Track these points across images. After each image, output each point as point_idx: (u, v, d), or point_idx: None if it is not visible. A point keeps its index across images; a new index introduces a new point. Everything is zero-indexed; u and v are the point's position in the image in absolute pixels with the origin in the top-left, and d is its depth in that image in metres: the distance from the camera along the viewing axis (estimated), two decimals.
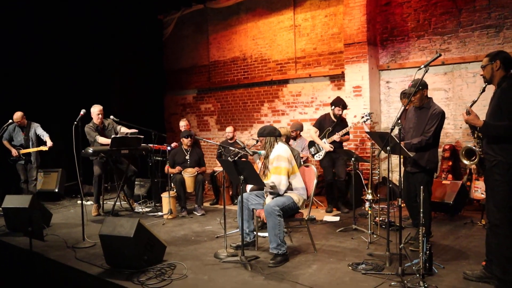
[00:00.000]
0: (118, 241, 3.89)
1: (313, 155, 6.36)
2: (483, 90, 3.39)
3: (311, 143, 6.31)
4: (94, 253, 4.52)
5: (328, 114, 6.27)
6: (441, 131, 4.28)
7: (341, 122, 6.21)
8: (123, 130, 6.42)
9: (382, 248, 4.37)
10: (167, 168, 6.18)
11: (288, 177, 4.14)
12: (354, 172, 5.38)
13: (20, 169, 6.86)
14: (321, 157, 6.23)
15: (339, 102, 6.17)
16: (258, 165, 6.10)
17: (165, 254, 4.23)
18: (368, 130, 6.01)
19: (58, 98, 8.19)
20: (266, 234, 4.82)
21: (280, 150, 4.16)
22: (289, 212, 4.19)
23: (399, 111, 3.83)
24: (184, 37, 10.19)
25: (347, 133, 6.12)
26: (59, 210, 6.87)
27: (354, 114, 7.34)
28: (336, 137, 6.07)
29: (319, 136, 6.25)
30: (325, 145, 6.18)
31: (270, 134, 4.26)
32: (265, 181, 4.22)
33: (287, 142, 5.53)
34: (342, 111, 6.16)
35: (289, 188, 4.19)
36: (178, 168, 6.38)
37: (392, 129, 3.77)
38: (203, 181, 6.45)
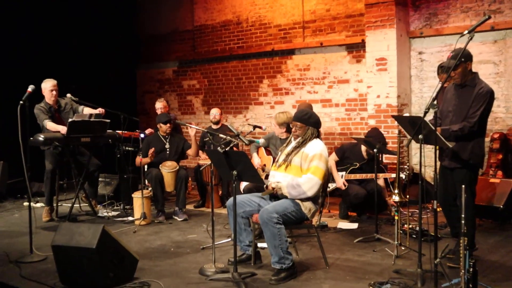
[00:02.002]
0: (76, 253, 3.87)
1: None
2: None
3: None
4: (45, 269, 4.48)
5: (360, 146, 6.05)
6: (489, 115, 4.25)
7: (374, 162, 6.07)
8: (87, 111, 6.37)
9: (412, 263, 4.35)
10: (140, 160, 6.13)
11: (325, 182, 4.23)
12: (376, 167, 5.35)
13: None
14: (330, 188, 6.03)
15: (376, 139, 5.71)
16: (255, 159, 6.13)
17: (137, 270, 4.21)
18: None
19: None
20: (265, 245, 4.81)
21: (323, 148, 4.23)
22: (293, 222, 4.20)
23: (434, 90, 3.80)
24: None
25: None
26: None
27: (377, 94, 7.33)
28: (358, 177, 5.91)
29: (338, 167, 6.08)
30: (339, 180, 5.97)
31: (316, 124, 4.33)
32: (281, 173, 4.21)
33: (289, 131, 5.49)
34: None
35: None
36: (151, 152, 6.27)
37: (425, 113, 3.74)
38: (186, 177, 6.44)
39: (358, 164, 6.03)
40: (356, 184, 6.00)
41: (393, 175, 5.77)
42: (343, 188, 5.94)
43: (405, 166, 5.12)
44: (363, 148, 6.02)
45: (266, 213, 4.01)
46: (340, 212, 6.23)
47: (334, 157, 6.18)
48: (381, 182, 5.99)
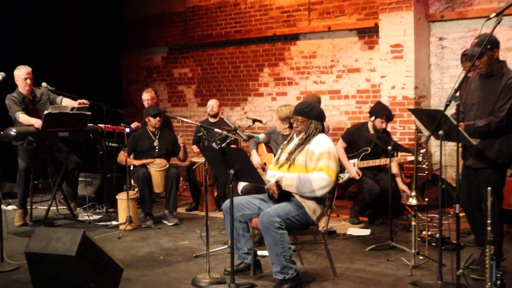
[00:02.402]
0: (53, 262, 3.86)
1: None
2: None
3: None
4: (18, 279, 4.47)
5: (366, 125, 6.16)
6: None
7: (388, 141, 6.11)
8: (67, 102, 6.36)
9: (431, 274, 4.35)
10: (125, 158, 6.12)
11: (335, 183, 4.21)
12: (391, 167, 5.35)
13: None
14: (341, 180, 6.16)
15: (381, 111, 6.01)
16: (254, 157, 6.13)
17: (122, 280, 4.20)
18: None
19: None
20: (266, 253, 4.81)
21: (330, 145, 4.22)
22: (296, 227, 4.20)
23: (457, 80, 3.79)
24: None
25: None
26: None
27: (392, 85, 7.33)
28: (371, 163, 6.01)
29: (348, 154, 6.20)
30: (351, 169, 6.09)
31: (319, 117, 4.30)
32: (288, 172, 4.21)
33: (291, 127, 5.48)
34: (387, 124, 6.04)
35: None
36: (143, 161, 6.39)
37: (446, 106, 3.74)
38: (177, 177, 6.43)
39: (369, 149, 6.09)
40: (370, 177, 6.05)
41: (409, 158, 5.82)
42: (357, 177, 6.02)
43: (423, 166, 5.12)
44: (370, 125, 6.07)
45: (267, 217, 4.00)
46: (351, 216, 6.24)
47: (342, 144, 6.24)
48: (394, 167, 6.01)
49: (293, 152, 4.27)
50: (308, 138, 4.25)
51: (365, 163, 6.07)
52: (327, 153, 4.15)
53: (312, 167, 4.16)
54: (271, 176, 4.36)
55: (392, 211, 5.30)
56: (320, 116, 4.30)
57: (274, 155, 5.83)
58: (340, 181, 6.22)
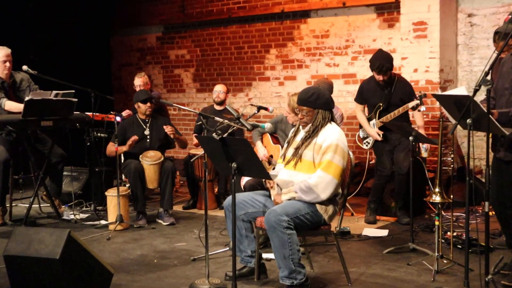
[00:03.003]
0: (35, 266, 3.86)
1: (362, 140, 6.48)
2: None
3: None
4: None
5: (373, 78, 6.26)
6: None
7: (401, 89, 6.14)
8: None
9: (456, 280, 4.35)
10: (116, 149, 6.12)
11: (340, 181, 4.20)
12: (413, 160, 5.34)
13: None
14: (368, 145, 6.37)
15: (373, 63, 6.06)
16: (259, 149, 6.11)
17: (112, 286, 4.21)
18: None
19: None
20: (272, 256, 4.81)
21: (339, 136, 4.20)
22: (307, 226, 4.20)
23: (487, 62, 3.76)
24: None
25: (417, 107, 5.95)
26: None
27: (414, 68, 7.31)
28: (390, 117, 6.08)
29: (368, 115, 6.32)
30: (371, 131, 6.25)
31: (326, 105, 4.26)
32: (290, 171, 4.21)
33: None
34: (385, 75, 6.06)
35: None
36: (133, 139, 6.33)
37: (475, 91, 3.71)
38: (173, 171, 6.44)
39: (381, 105, 6.15)
40: (388, 156, 6.20)
41: (410, 104, 5.93)
42: (379, 138, 6.17)
43: (449, 158, 5.10)
44: (379, 78, 6.09)
45: (274, 215, 4.00)
46: (367, 215, 6.26)
47: (358, 107, 6.43)
48: (419, 119, 6.21)
49: (300, 147, 4.25)
50: (315, 130, 4.23)
51: (384, 119, 6.11)
52: (334, 146, 4.13)
53: (318, 162, 4.16)
54: (278, 172, 4.37)
55: (413, 209, 5.28)
56: (327, 104, 4.27)
57: (282, 146, 5.83)
58: (366, 147, 6.41)
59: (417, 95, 5.87)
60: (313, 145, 4.20)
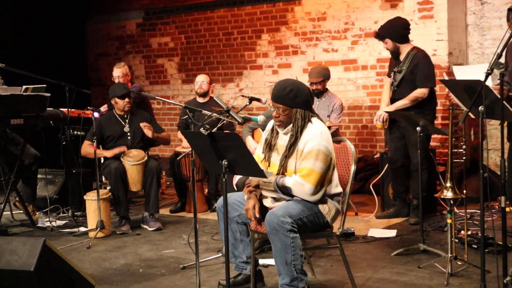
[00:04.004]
0: (7, 279, 3.85)
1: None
2: None
3: None
4: None
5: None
6: None
7: (417, 64, 6.10)
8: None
9: (472, 283, 4.36)
10: (93, 149, 6.09)
11: (324, 186, 4.14)
12: (426, 152, 5.35)
13: None
14: (386, 125, 6.30)
15: (378, 32, 6.15)
16: (250, 143, 6.10)
17: None
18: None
19: None
20: (270, 262, 4.79)
21: (320, 140, 4.09)
22: (309, 229, 4.19)
23: (500, 43, 3.75)
24: None
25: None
26: None
27: None
28: (399, 104, 6.07)
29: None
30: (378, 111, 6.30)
31: (306, 104, 4.16)
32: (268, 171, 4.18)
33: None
34: (391, 45, 6.09)
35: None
36: (120, 150, 6.34)
37: (488, 75, 3.71)
38: (158, 171, 6.44)
39: (395, 84, 6.15)
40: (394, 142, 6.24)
41: None
42: (375, 122, 6.27)
43: (461, 150, 5.10)
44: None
45: (276, 217, 3.98)
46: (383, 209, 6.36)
47: (386, 80, 6.43)
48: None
49: (286, 156, 4.17)
50: (297, 133, 4.14)
51: (388, 108, 6.13)
52: (315, 153, 4.04)
53: (298, 168, 4.10)
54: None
55: (423, 206, 5.29)
56: (307, 102, 4.17)
57: None
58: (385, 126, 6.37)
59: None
60: (296, 152, 4.14)
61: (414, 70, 6.01)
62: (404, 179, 6.28)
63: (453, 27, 7.20)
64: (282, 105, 4.13)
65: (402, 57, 6.07)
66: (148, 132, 6.42)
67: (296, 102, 4.12)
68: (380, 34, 6.10)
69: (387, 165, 6.44)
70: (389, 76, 6.33)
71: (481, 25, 7.31)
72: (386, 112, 6.07)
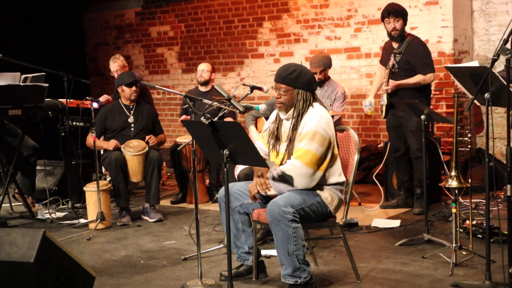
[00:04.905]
0: (6, 270, 3.84)
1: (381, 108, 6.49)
2: None
3: None
4: None
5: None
6: None
7: (414, 50, 6.14)
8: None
9: (477, 274, 4.36)
10: (93, 139, 6.11)
11: (321, 170, 4.13)
12: (425, 140, 5.35)
13: None
14: (383, 114, 6.35)
15: (383, 12, 6.21)
16: (252, 134, 6.10)
17: None
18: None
19: None
20: (272, 252, 4.81)
21: (318, 122, 4.12)
22: (312, 219, 4.21)
23: (506, 29, 3.75)
24: None
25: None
26: None
27: (424, 38, 7.23)
28: (392, 84, 6.11)
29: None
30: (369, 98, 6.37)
31: (308, 86, 4.20)
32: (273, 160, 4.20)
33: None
34: (401, 23, 6.12)
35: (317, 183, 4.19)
36: (114, 142, 6.35)
37: (494, 61, 3.70)
38: (159, 162, 6.45)
39: (390, 68, 6.20)
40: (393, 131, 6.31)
41: None
42: (364, 108, 6.36)
43: (466, 138, 5.10)
44: (390, 27, 6.13)
45: (278, 206, 4.00)
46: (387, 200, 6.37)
47: (379, 69, 6.58)
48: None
49: (290, 141, 4.20)
50: (299, 116, 4.18)
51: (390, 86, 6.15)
52: (312, 133, 4.07)
53: (295, 149, 4.14)
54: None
55: (427, 196, 5.29)
56: (309, 85, 4.21)
57: None
58: (383, 115, 6.41)
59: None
60: (297, 136, 4.18)
61: (412, 58, 6.06)
62: (407, 167, 6.31)
63: (458, 13, 7.18)
64: (284, 85, 4.17)
65: (397, 44, 6.15)
66: (154, 144, 6.49)
67: (298, 82, 4.17)
68: (398, 11, 6.12)
69: (386, 153, 6.48)
70: (382, 63, 6.36)
71: (487, 11, 7.28)
72: (391, 101, 6.08)
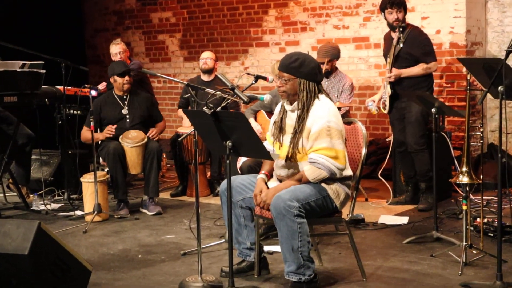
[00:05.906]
0: (0, 262, 3.84)
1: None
2: None
3: None
4: None
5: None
6: None
7: (415, 40, 6.14)
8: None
9: (488, 273, 4.35)
10: (91, 128, 6.09)
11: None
12: (435, 135, 5.32)
13: None
14: (386, 109, 6.31)
15: (383, 2, 6.19)
16: (253, 125, 6.07)
17: (90, 285, 4.21)
18: None
19: None
20: (275, 248, 4.79)
21: (328, 116, 4.10)
22: (317, 214, 4.20)
23: None
24: None
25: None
26: None
27: (436, 29, 7.31)
28: (395, 73, 6.10)
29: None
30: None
31: (311, 76, 4.17)
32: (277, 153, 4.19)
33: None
34: (403, 14, 6.12)
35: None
36: (108, 130, 6.32)
37: (508, 53, 3.70)
38: (159, 153, 6.44)
39: (389, 59, 6.19)
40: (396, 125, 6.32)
41: None
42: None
43: (478, 133, 5.08)
44: (392, 17, 6.16)
45: (283, 201, 3.99)
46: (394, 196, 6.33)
47: None
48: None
49: (296, 133, 4.18)
50: (304, 108, 4.16)
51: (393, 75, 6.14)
52: (326, 130, 4.05)
53: (309, 148, 4.12)
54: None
55: (437, 193, 5.27)
56: (313, 75, 4.17)
57: None
58: (386, 110, 6.36)
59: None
60: (304, 131, 4.15)
61: (413, 47, 6.07)
62: (413, 162, 6.29)
63: (471, 3, 7.16)
64: (286, 73, 4.17)
65: (398, 34, 6.13)
66: (156, 137, 6.52)
67: (301, 71, 4.15)
68: (401, 2, 6.13)
69: (390, 148, 6.47)
70: (385, 56, 6.36)
71: (502, 1, 7.26)
72: (401, 93, 6.06)
